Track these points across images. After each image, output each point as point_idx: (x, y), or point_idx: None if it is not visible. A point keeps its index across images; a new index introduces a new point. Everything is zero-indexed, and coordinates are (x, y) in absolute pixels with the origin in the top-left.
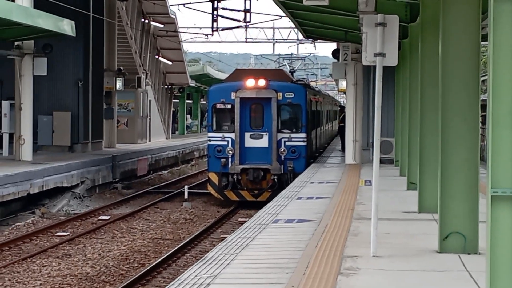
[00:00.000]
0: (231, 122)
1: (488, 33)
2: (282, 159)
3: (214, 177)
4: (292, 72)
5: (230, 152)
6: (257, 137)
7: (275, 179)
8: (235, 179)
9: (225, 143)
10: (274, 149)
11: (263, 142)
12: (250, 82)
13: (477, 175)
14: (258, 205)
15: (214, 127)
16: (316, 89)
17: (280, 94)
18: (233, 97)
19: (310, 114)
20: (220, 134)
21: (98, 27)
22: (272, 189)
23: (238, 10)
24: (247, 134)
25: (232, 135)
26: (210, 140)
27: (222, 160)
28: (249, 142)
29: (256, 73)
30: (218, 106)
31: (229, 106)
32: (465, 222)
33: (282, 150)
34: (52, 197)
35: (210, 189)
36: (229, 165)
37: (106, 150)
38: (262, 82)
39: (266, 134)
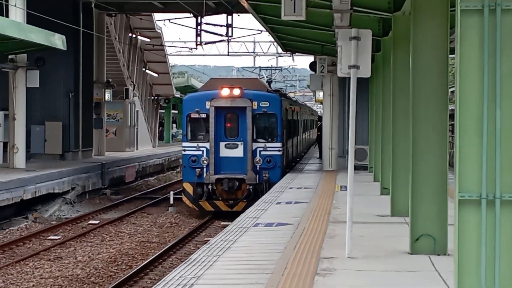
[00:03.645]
0: (206, 132)
1: (456, 46)
2: (258, 168)
3: (188, 187)
4: (269, 82)
5: (205, 162)
6: (232, 147)
7: (250, 189)
8: (210, 189)
9: (200, 153)
10: (249, 159)
11: (238, 152)
12: (225, 91)
13: (446, 180)
14: (233, 216)
15: (189, 137)
16: (294, 99)
17: (255, 103)
18: (207, 106)
19: (286, 123)
20: (194, 144)
21: (88, 41)
22: (247, 199)
23: (221, 25)
24: (222, 144)
25: (207, 144)
26: (184, 150)
27: (197, 170)
28: (224, 152)
29: (231, 82)
30: (193, 115)
31: (203, 116)
32: (435, 224)
33: (258, 159)
34: (44, 203)
35: (184, 200)
36: (204, 175)
37: (95, 158)
38: (237, 91)
39: (241, 144)
